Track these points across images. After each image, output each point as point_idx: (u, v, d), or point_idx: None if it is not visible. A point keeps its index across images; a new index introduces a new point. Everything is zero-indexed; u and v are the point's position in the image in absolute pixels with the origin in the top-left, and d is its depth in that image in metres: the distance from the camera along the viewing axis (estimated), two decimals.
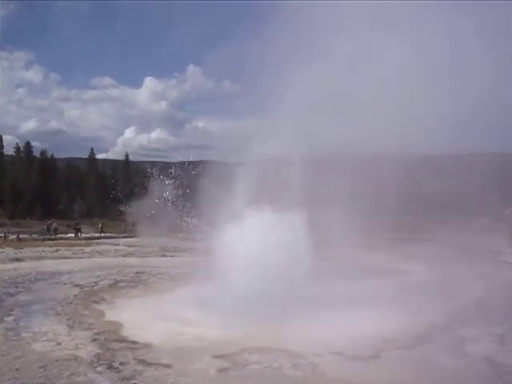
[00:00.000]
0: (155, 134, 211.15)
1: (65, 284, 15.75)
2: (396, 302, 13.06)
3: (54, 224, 41.78)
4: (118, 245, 28.43)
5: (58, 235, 38.00)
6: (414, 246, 26.45)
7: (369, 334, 10.35)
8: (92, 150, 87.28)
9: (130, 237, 35.89)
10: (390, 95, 18.24)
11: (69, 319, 11.38)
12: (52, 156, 79.69)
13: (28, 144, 77.80)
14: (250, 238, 13.64)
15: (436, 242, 28.96)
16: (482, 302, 14.07)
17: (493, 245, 26.75)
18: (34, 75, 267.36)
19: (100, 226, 42.17)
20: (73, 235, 38.36)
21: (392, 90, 18.03)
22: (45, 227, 39.58)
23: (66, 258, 22.10)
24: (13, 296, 13.77)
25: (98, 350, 9.16)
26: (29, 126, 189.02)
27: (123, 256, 23.49)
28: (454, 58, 18.17)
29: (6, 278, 16.23)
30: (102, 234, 39.73)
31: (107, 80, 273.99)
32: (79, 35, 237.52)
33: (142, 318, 11.68)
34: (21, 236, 34.47)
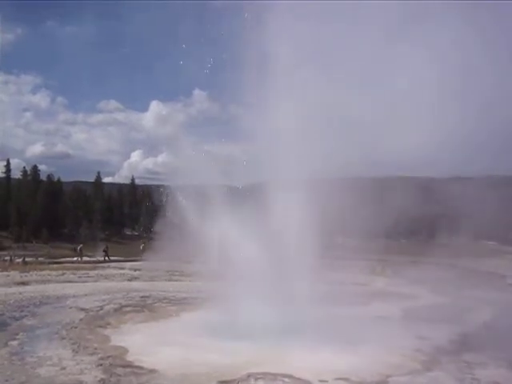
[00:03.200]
0: (161, 158, 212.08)
1: (70, 308, 15.70)
2: (402, 326, 12.98)
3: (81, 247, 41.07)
4: (123, 269, 28.32)
5: (84, 258, 37.60)
6: (420, 269, 26.28)
7: (375, 360, 10.27)
8: (98, 173, 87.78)
9: (135, 260, 35.54)
10: (394, 116, 18.32)
11: (74, 344, 11.33)
12: (59, 179, 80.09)
13: (35, 168, 78.31)
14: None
15: (442, 266, 28.81)
16: (489, 326, 13.97)
17: (499, 268, 26.59)
18: (41, 99, 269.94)
19: (142, 246, 40.66)
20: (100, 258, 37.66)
21: (396, 111, 18.12)
22: (78, 250, 39.13)
23: (71, 281, 22.02)
24: (18, 320, 13.73)
25: (103, 376, 9.09)
26: (36, 149, 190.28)
27: (128, 280, 23.40)
28: (465, 75, 18.25)
29: (12, 301, 16.21)
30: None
31: (113, 104, 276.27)
32: (85, 59, 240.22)
33: (147, 343, 11.62)
34: (27, 259, 34.43)
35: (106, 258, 37.05)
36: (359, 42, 17.62)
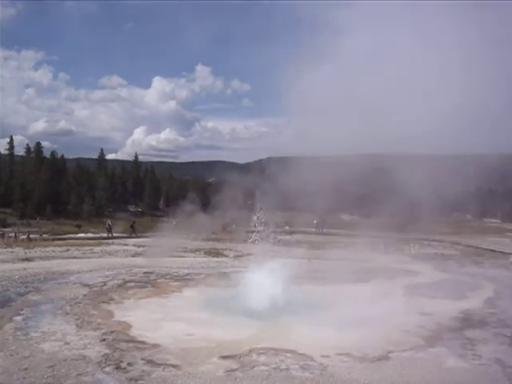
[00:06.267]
0: (164, 135, 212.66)
1: (74, 284, 15.78)
2: (405, 303, 13.01)
3: (110, 223, 40.08)
4: (127, 245, 28.39)
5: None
6: (423, 246, 26.33)
7: (377, 336, 10.30)
8: (102, 150, 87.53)
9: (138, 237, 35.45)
10: (399, 95, 18.18)
11: (77, 319, 11.42)
12: (62, 156, 79.90)
13: (38, 144, 77.97)
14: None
15: (445, 243, 28.89)
16: (491, 303, 14.00)
17: (502, 246, 26.59)
18: (43, 75, 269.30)
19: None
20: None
21: (400, 90, 17.98)
22: (107, 226, 38.55)
23: (75, 257, 22.09)
24: (22, 296, 13.83)
25: (106, 350, 9.19)
26: (38, 126, 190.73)
27: (132, 256, 23.45)
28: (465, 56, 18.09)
29: (16, 277, 16.31)
30: None
31: (116, 79, 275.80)
32: (88, 35, 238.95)
33: (150, 319, 11.69)
34: (31, 236, 34.52)
35: (133, 234, 36.62)
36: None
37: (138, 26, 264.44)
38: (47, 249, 24.73)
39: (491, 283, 16.75)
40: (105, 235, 35.96)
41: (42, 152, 77.64)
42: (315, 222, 37.31)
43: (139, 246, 27.30)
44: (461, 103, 17.94)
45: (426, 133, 18.35)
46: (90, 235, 38.02)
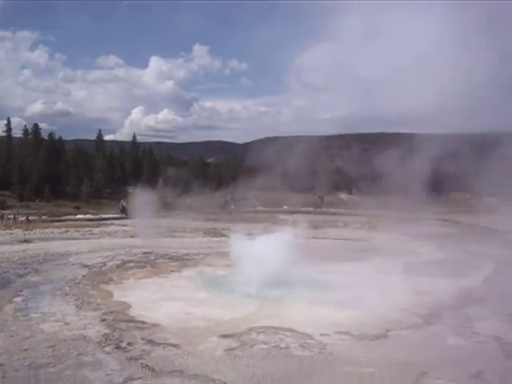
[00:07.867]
0: (162, 115, 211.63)
1: (73, 265, 15.81)
2: (403, 281, 13.04)
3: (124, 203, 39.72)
4: (125, 225, 28.37)
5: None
6: (421, 225, 26.34)
7: (376, 314, 10.35)
8: (100, 131, 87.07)
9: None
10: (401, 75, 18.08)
11: (77, 300, 11.44)
12: (60, 138, 79.49)
13: (36, 126, 77.50)
14: None
15: (443, 222, 28.93)
16: (490, 281, 14.05)
17: (500, 224, 26.61)
18: (40, 56, 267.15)
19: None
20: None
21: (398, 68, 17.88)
22: (121, 207, 38.30)
23: (74, 239, 22.10)
24: (22, 277, 13.86)
25: (106, 330, 9.22)
26: (36, 107, 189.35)
27: (131, 237, 23.45)
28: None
29: (15, 259, 16.33)
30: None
31: (113, 59, 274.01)
32: (84, 14, 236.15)
33: (149, 299, 11.73)
34: (30, 218, 34.46)
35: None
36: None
37: (135, 5, 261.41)
38: (46, 230, 24.71)
39: (490, 261, 16.78)
40: (105, 216, 36.04)
41: (39, 134, 77.21)
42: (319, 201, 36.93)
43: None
44: (458, 83, 17.85)
45: (419, 112, 18.29)
46: (88, 216, 37.97)
